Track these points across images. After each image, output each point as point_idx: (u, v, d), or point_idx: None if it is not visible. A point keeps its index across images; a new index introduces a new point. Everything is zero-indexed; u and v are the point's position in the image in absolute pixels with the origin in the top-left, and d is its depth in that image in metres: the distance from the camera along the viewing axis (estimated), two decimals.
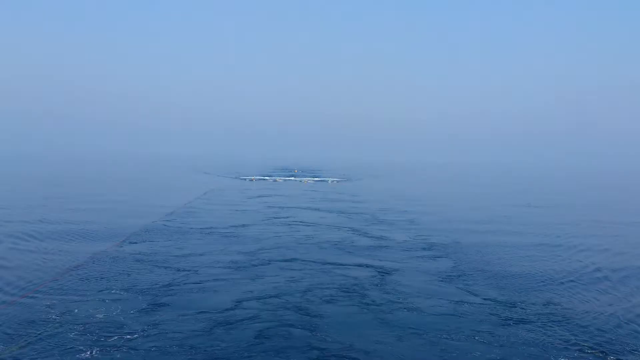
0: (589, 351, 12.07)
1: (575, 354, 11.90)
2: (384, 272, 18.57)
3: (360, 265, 19.50)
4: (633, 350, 12.18)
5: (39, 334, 11.94)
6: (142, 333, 12.18)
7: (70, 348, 11.35)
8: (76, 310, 13.49)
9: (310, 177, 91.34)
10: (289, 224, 29.76)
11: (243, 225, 28.72)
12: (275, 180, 76.33)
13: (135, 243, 22.66)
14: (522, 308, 14.87)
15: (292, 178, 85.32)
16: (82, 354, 11.04)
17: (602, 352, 12.04)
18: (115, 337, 11.97)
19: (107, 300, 14.39)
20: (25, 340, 11.66)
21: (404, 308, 14.55)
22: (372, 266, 19.47)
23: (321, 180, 79.44)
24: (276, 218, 32.44)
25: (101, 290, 15.31)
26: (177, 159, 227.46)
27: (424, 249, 23.44)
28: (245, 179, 77.16)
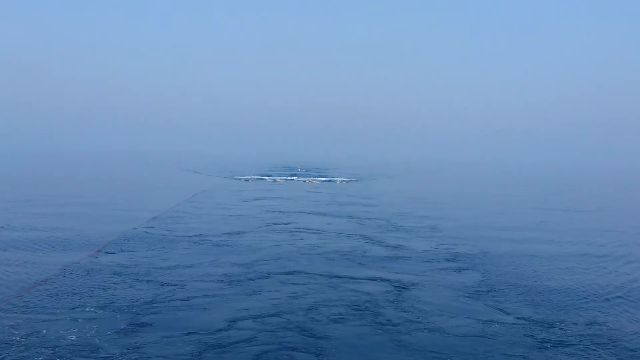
0: None
1: None
2: (401, 287, 18.60)
3: (373, 279, 19.49)
4: None
5: (1, 359, 11.92)
6: (120, 357, 12.19)
7: None
8: (44, 331, 13.58)
9: (316, 176, 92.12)
10: (291, 231, 29.85)
11: (237, 233, 28.73)
12: (275, 181, 76.96)
13: (113, 253, 22.66)
14: (562, 329, 14.97)
15: (295, 178, 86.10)
16: None
17: None
18: None
19: (80, 320, 14.43)
20: None
21: (424, 328, 14.63)
22: (387, 280, 19.49)
23: (328, 181, 79.97)
24: (276, 224, 32.55)
25: (73, 308, 15.35)
26: (162, 156, 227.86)
27: (447, 259, 23.41)
28: (240, 179, 77.63)
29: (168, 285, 17.90)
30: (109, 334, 13.46)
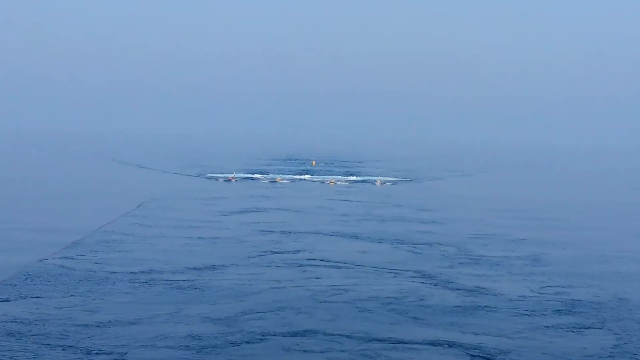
0: None
1: None
2: (484, 358, 17.48)
3: (436, 344, 18.38)
4: None
5: None
6: None
7: None
8: None
9: (341, 174, 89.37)
10: (301, 265, 28.65)
11: (212, 267, 27.59)
12: (274, 181, 75.18)
13: (7, 301, 21.48)
14: None
15: (307, 177, 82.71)
16: None
17: None
18: None
19: None
20: None
21: None
22: (459, 345, 18.34)
23: (362, 181, 78.61)
24: (276, 253, 31.40)
25: None
26: (89, 140, 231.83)
27: (557, 311, 22.02)
28: (217, 179, 76.23)
29: (97, 354, 16.75)
30: None
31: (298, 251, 31.93)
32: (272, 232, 37.55)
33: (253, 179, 77.48)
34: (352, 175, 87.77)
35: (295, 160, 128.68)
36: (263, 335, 18.19)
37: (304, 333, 18.55)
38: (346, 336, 18.32)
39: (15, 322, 18.75)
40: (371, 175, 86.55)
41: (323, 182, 74.65)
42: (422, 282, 25.74)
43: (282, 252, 31.49)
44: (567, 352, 17.70)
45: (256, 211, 47.11)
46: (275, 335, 18.26)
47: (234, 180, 74.41)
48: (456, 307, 22.07)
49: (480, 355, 17.38)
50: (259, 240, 34.88)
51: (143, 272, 26.27)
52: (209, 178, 77.12)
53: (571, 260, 31.36)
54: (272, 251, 31.69)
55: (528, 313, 21.45)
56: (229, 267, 27.67)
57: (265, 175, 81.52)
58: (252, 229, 38.35)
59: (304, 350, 17.24)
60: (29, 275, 24.89)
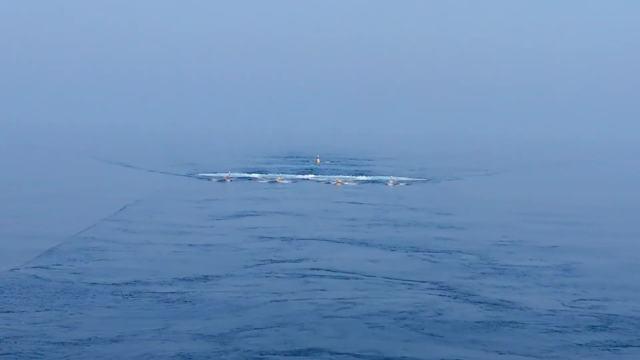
0: None
1: None
2: None
3: None
4: None
5: None
6: None
7: None
8: None
9: (350, 174, 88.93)
10: (304, 275, 28.52)
11: (204, 278, 27.43)
12: (274, 181, 74.95)
13: None
14: None
15: (311, 176, 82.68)
16: None
17: None
18: None
19: None
20: None
21: None
22: None
23: (372, 181, 78.47)
24: (275, 261, 31.26)
25: None
26: (67, 136, 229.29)
27: (592, 328, 21.81)
28: (209, 178, 76.18)
29: None
30: None
31: (301, 260, 31.82)
32: (272, 238, 37.28)
33: (250, 178, 77.16)
34: (362, 174, 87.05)
35: (297, 157, 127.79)
36: (261, 355, 18.05)
37: (307, 352, 18.47)
38: (355, 355, 18.23)
39: None
40: (383, 175, 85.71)
41: (329, 183, 74.26)
42: (440, 295, 25.61)
43: (283, 261, 31.37)
44: None
45: (254, 215, 46.58)
46: (275, 355, 18.15)
47: (228, 180, 73.99)
48: (478, 322, 21.91)
49: None
50: (256, 247, 34.70)
51: (127, 283, 26.09)
52: (201, 178, 76.76)
53: (607, 270, 31.18)
54: (271, 260, 31.54)
55: (559, 329, 21.20)
56: (224, 278, 27.52)
57: (263, 175, 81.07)
58: (249, 235, 38.05)
59: None
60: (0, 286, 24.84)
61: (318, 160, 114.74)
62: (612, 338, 20.36)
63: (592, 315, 23.11)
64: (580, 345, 19.59)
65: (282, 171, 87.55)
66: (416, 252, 34.41)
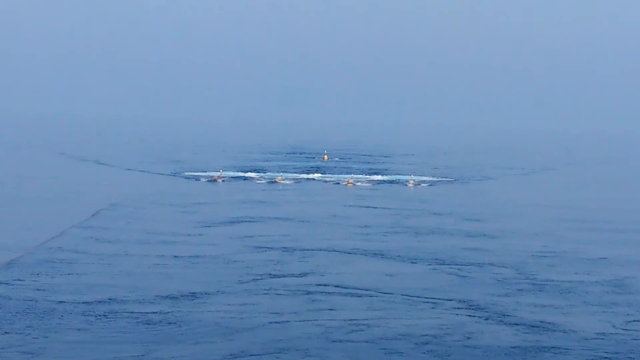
0: None
1: None
2: None
3: None
4: None
5: None
6: None
7: None
8: None
9: (362, 172, 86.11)
10: (308, 292, 27.61)
11: (192, 296, 26.47)
12: (274, 181, 72.08)
13: None
14: None
15: (317, 176, 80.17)
16: None
17: None
18: None
19: None
20: None
21: None
22: None
23: (389, 182, 75.85)
24: (275, 276, 30.26)
25: None
26: (30, 127, 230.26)
27: None
28: (199, 178, 73.14)
29: None
30: None
31: (305, 274, 31.22)
32: (271, 248, 36.47)
33: (245, 178, 74.38)
34: (377, 173, 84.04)
35: (301, 153, 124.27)
36: None
37: None
38: None
39: None
40: (402, 174, 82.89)
41: (338, 183, 71.89)
42: (469, 315, 25.05)
43: (284, 276, 30.84)
44: None
45: (250, 221, 44.99)
46: None
47: (220, 180, 70.96)
48: (514, 347, 21.22)
49: None
50: (253, 259, 34.05)
51: (100, 301, 25.45)
52: (188, 178, 73.80)
53: None
54: (270, 274, 30.89)
55: (609, 356, 20.61)
56: (214, 296, 27.03)
57: (261, 174, 78.28)
58: (244, 245, 37.23)
59: None
60: None
61: (325, 157, 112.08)
62: None
63: None
64: None
65: (283, 170, 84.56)
66: (441, 265, 33.92)
